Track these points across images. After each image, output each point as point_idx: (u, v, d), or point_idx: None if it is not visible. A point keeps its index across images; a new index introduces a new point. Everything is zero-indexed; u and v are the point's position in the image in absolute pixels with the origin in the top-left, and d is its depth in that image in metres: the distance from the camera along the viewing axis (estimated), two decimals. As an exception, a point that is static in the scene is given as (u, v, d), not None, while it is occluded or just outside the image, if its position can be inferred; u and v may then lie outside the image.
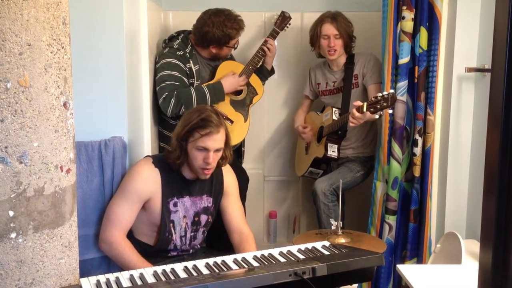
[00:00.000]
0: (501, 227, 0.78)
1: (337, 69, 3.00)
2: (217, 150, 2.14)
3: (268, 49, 3.02)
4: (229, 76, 2.88)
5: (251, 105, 3.04)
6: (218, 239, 2.56)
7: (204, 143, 2.10)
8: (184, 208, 2.22)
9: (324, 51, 2.93)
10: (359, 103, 2.52)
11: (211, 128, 2.09)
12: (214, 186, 2.30)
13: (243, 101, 3.00)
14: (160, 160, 2.20)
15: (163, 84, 2.70)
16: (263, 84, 3.13)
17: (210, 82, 2.85)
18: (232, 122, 2.91)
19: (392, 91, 2.43)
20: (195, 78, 2.83)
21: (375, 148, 3.03)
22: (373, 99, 2.46)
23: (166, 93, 2.66)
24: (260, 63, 3.07)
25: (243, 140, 3.14)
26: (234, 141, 2.80)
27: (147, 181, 2.14)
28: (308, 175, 3.17)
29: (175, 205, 2.20)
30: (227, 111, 2.90)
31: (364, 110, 2.47)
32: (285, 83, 3.52)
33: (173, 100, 2.65)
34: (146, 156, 2.30)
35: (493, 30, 0.80)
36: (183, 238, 2.25)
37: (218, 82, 2.84)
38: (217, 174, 2.31)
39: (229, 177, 2.36)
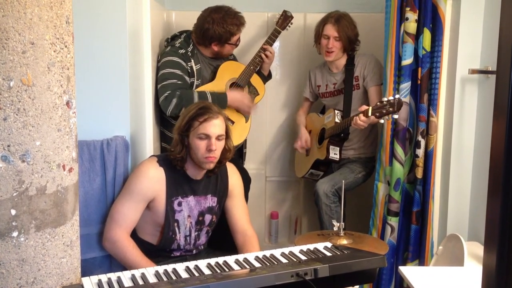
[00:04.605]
0: (506, 228, 0.77)
1: (337, 71, 3.00)
2: (218, 138, 2.14)
3: (266, 56, 2.96)
4: (239, 92, 2.86)
5: None
6: (221, 240, 2.55)
7: (204, 130, 2.11)
8: (189, 208, 2.22)
9: (323, 50, 2.94)
10: (364, 107, 2.52)
11: (209, 114, 2.13)
12: (219, 186, 2.30)
13: None
14: (165, 160, 2.20)
15: (165, 83, 2.68)
16: None
17: (215, 91, 2.79)
18: (233, 122, 2.86)
19: (398, 96, 2.42)
20: (196, 77, 2.80)
21: (376, 149, 3.03)
22: (378, 103, 2.46)
23: (168, 92, 2.64)
24: (258, 68, 3.02)
25: (245, 142, 3.12)
26: (235, 141, 2.78)
27: (152, 181, 2.14)
28: (308, 177, 3.16)
29: (179, 204, 2.19)
30: (228, 111, 2.84)
31: (369, 114, 2.47)
32: (288, 83, 3.51)
33: (174, 100, 2.62)
34: (151, 156, 2.30)
35: (499, 31, 0.79)
36: (188, 238, 2.24)
37: (224, 94, 2.80)
38: (222, 174, 2.31)
39: (234, 178, 2.36)
